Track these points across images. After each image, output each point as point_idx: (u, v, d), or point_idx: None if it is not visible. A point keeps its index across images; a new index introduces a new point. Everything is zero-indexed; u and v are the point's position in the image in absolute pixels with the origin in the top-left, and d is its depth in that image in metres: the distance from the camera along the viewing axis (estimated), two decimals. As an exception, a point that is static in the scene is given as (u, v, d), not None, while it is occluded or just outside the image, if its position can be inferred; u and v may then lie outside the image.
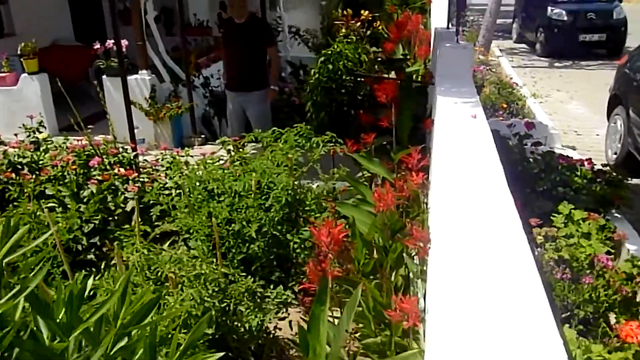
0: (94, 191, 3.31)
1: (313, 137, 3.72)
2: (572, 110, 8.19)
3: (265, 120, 4.75)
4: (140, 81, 5.80)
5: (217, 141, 4.23)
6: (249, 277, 2.81)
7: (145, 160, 4.47)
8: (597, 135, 6.38)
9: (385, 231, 2.86)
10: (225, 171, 3.59)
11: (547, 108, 7.79)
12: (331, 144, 3.68)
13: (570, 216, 2.70)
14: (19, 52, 6.03)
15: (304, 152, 3.62)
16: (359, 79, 5.05)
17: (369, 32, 11.08)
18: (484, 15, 11.51)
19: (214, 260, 2.74)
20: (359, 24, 11.36)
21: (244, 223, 3.19)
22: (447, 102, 3.03)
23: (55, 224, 2.76)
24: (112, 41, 5.78)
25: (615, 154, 4.97)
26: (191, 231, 3.19)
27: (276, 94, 4.95)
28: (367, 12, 11.29)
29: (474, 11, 15.46)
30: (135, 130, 5.98)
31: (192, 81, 6.46)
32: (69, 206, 3.14)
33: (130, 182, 3.95)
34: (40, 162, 4.21)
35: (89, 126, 4.53)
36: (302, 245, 3.22)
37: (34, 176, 4.01)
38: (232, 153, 4.13)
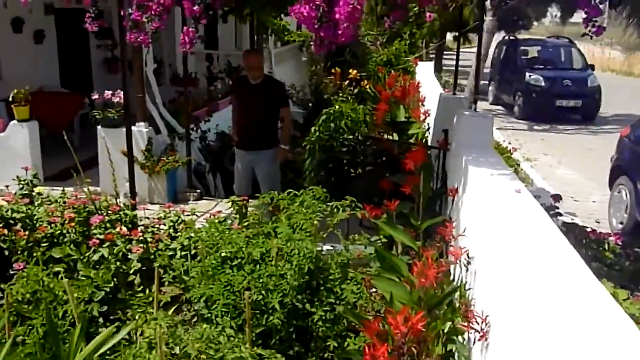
0: (106, 254, 3.08)
1: (331, 201, 3.61)
2: (563, 175, 8.32)
3: (275, 180, 4.64)
4: (137, 133, 5.63)
5: (226, 200, 4.07)
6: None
7: (147, 217, 4.25)
8: (594, 202, 6.46)
9: (423, 307, 2.73)
10: (240, 234, 3.41)
11: (538, 173, 7.91)
12: (351, 209, 3.56)
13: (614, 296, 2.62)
14: (10, 98, 5.81)
15: (323, 216, 3.49)
16: (367, 140, 5.01)
17: (356, 91, 11.32)
18: (468, 77, 11.86)
19: (241, 336, 2.54)
20: (347, 82, 11.59)
21: (264, 292, 3.00)
22: (481, 173, 2.97)
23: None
24: (111, 92, 5.68)
25: (622, 223, 5.01)
26: (209, 302, 2.98)
27: (286, 153, 4.87)
28: (354, 71, 11.55)
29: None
30: (127, 184, 5.81)
31: (189, 134, 6.34)
32: (81, 272, 2.91)
33: (133, 242, 3.73)
34: (35, 217, 3.95)
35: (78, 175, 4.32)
36: (324, 317, 3.04)
37: (26, 233, 3.76)
38: (243, 214, 3.97)
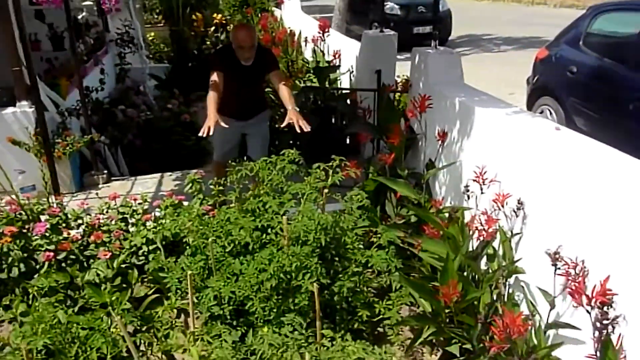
0: (102, 271, 2.51)
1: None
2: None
3: (267, 143, 4.12)
4: (21, 114, 4.66)
5: (147, 177, 3.49)
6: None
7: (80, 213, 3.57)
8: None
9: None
10: (232, 219, 2.99)
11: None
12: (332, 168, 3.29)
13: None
14: None
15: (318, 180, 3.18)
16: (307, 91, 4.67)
17: (223, 37, 10.60)
18: (333, 13, 11.74)
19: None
20: (212, 28, 10.77)
21: (287, 276, 2.70)
22: (493, 113, 2.90)
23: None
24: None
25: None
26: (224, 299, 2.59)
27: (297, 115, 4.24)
28: (219, 15, 10.75)
29: (315, 10, 15.66)
30: (20, 176, 4.87)
31: (76, 107, 5.42)
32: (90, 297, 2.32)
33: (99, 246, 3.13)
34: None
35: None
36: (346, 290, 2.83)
37: None
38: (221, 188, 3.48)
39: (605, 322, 1.58)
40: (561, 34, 5.71)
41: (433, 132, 3.39)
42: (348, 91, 5.12)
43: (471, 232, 2.65)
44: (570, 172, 2.31)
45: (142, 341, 2.39)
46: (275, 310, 2.69)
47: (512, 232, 2.60)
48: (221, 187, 3.49)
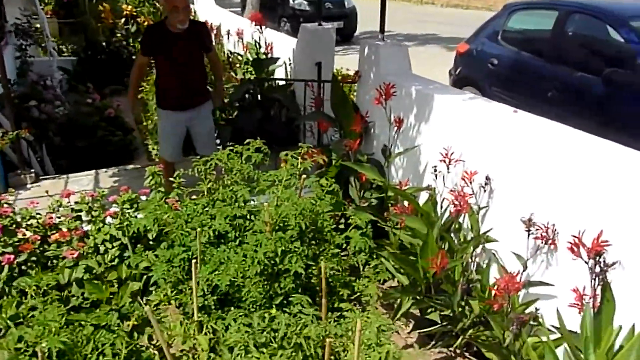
0: (93, 266, 2.41)
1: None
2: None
3: (213, 136, 4.03)
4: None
5: (80, 175, 3.38)
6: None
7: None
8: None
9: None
10: (211, 210, 2.99)
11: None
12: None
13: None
14: None
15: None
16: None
17: (134, 29, 10.19)
18: (245, 8, 11.72)
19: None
20: (122, 20, 10.32)
21: (274, 260, 2.77)
22: (452, 100, 3.15)
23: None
24: None
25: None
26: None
27: (223, 101, 4.22)
28: (129, 6, 10.32)
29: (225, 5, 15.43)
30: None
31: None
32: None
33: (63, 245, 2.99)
34: None
35: None
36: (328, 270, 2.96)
37: None
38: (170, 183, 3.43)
39: (603, 268, 1.86)
40: (479, 29, 6.22)
41: (386, 120, 3.59)
42: (291, 82, 5.22)
43: (443, 208, 2.88)
44: (529, 147, 2.61)
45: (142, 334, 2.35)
46: (263, 295, 2.75)
47: (479, 206, 2.87)
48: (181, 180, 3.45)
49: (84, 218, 3.41)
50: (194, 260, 2.43)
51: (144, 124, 6.43)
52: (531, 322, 2.40)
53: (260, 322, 2.29)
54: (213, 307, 2.83)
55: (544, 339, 2.15)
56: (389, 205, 3.47)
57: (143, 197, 3.55)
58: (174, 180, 3.43)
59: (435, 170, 3.05)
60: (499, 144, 2.78)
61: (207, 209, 3.01)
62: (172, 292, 2.76)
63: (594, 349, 1.84)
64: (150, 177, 3.52)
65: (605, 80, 4.63)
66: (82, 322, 2.09)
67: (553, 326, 2.26)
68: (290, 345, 2.16)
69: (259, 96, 5.13)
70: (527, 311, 2.49)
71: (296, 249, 2.79)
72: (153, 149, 5.96)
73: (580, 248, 1.93)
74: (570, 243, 1.97)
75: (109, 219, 3.36)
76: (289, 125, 5.34)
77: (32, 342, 1.94)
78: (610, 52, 4.92)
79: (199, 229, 2.69)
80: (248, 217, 2.98)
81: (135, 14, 10.28)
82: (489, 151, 2.84)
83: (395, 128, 3.55)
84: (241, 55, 6.78)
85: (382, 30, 4.18)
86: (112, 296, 2.47)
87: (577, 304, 2.09)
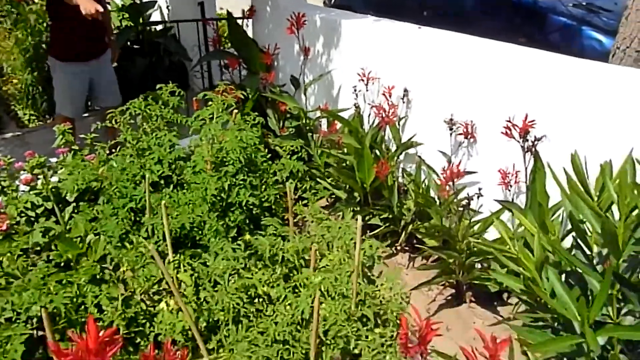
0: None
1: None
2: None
3: (117, 87, 3.76)
4: None
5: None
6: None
7: None
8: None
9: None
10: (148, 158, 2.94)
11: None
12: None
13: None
14: None
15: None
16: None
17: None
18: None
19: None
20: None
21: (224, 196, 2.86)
22: (360, 24, 3.33)
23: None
24: None
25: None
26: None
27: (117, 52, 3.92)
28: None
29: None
30: None
31: None
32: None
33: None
34: None
35: None
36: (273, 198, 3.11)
37: None
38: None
39: (534, 142, 2.25)
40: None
41: (290, 52, 3.71)
42: (172, 26, 5.01)
43: (370, 123, 3.14)
44: (438, 57, 2.93)
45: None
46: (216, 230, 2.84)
47: (399, 117, 3.16)
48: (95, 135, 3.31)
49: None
50: (162, 202, 2.42)
51: (4, 88, 5.84)
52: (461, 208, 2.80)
53: (239, 249, 2.40)
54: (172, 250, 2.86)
55: (483, 216, 2.54)
56: (308, 131, 3.66)
57: (53, 159, 3.36)
58: (86, 136, 3.28)
59: (355, 90, 3.27)
60: (410, 59, 3.06)
61: (138, 158, 2.96)
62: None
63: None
64: (61, 137, 3.31)
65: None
66: (71, 280, 2.03)
67: (495, 199, 2.57)
68: (278, 263, 2.32)
69: (142, 43, 4.90)
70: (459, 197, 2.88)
71: (243, 182, 2.89)
72: (25, 114, 5.48)
73: (512, 130, 2.30)
74: (505, 127, 2.33)
75: (23, 187, 3.15)
76: (176, 69, 5.21)
77: (25, 308, 1.86)
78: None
79: (147, 175, 2.66)
80: (186, 159, 3.00)
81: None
82: (403, 67, 3.11)
83: (303, 58, 3.68)
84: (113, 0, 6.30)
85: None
86: (86, 252, 2.39)
87: (504, 182, 2.49)
